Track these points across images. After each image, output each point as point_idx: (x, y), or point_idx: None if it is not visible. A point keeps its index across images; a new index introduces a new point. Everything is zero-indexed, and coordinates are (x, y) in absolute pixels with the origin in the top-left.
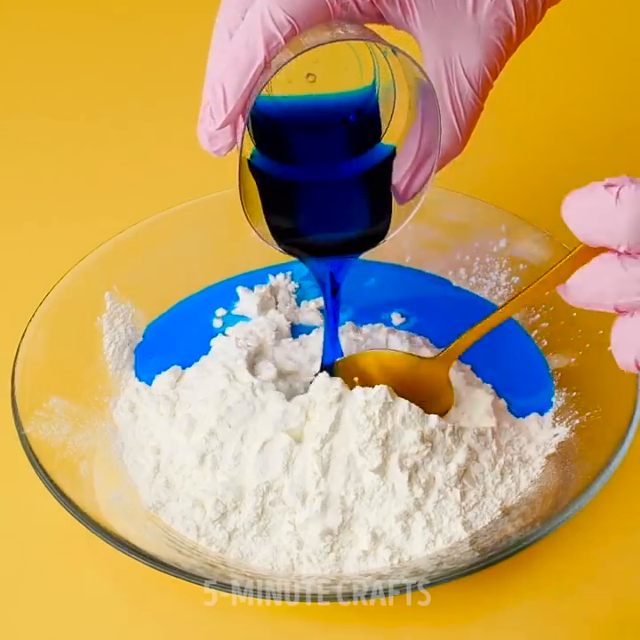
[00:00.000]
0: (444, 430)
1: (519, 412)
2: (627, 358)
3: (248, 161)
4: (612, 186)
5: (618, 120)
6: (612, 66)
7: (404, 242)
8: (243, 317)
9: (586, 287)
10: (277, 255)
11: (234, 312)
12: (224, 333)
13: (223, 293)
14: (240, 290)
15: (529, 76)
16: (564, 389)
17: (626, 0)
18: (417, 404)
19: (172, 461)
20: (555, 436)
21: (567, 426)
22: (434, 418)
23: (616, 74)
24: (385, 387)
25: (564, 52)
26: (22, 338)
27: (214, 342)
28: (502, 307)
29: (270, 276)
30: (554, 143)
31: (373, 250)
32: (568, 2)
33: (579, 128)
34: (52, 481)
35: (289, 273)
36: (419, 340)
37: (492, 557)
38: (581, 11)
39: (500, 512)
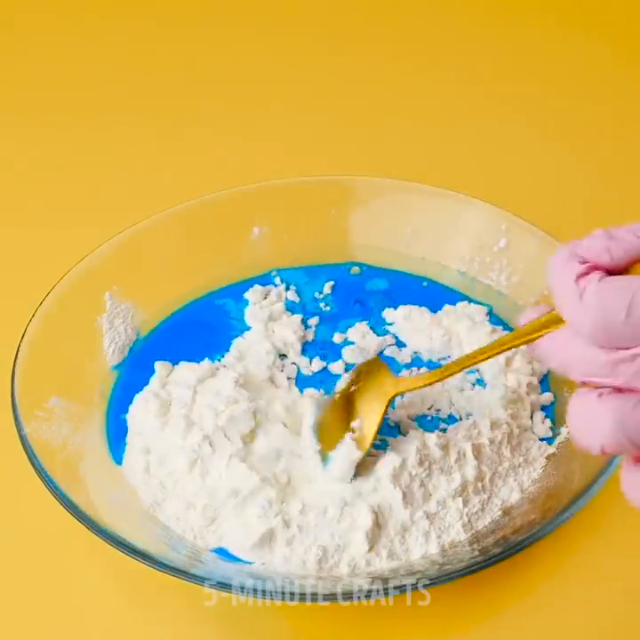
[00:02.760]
0: (445, 447)
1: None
2: (591, 443)
3: None
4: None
5: (619, 119)
6: (613, 65)
7: (404, 243)
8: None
9: (553, 355)
10: (278, 256)
11: (245, 319)
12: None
13: (226, 299)
14: (249, 295)
15: (529, 76)
16: (565, 389)
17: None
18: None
19: (162, 463)
20: (555, 435)
21: (567, 426)
22: (432, 436)
23: (617, 73)
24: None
25: (565, 53)
26: (22, 338)
27: (237, 342)
28: (458, 361)
29: (275, 279)
30: (554, 143)
31: (374, 252)
32: (570, 9)
33: (579, 128)
34: (52, 481)
35: (278, 280)
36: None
37: (492, 557)
38: (581, 15)
39: (500, 512)
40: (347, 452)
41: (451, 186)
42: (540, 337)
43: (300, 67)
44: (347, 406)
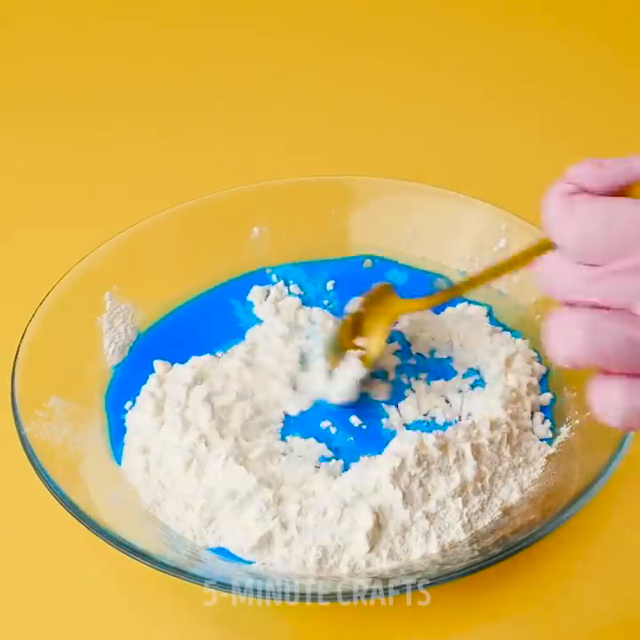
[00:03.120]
0: (443, 447)
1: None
2: (563, 354)
3: None
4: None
5: (618, 119)
6: (613, 65)
7: (404, 243)
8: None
9: (541, 276)
10: (278, 256)
11: (255, 311)
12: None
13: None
14: (254, 293)
15: (529, 76)
16: (565, 389)
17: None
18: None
19: (160, 463)
20: (555, 435)
21: (567, 426)
22: (430, 436)
23: (617, 73)
24: None
25: (565, 53)
26: (22, 338)
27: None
28: (458, 286)
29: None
30: (554, 143)
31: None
32: (570, 9)
33: (579, 128)
34: (52, 481)
35: (275, 276)
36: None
37: (492, 557)
38: (581, 15)
39: (500, 512)
40: (351, 369)
41: (451, 186)
42: (532, 260)
43: (300, 67)
44: (355, 327)
